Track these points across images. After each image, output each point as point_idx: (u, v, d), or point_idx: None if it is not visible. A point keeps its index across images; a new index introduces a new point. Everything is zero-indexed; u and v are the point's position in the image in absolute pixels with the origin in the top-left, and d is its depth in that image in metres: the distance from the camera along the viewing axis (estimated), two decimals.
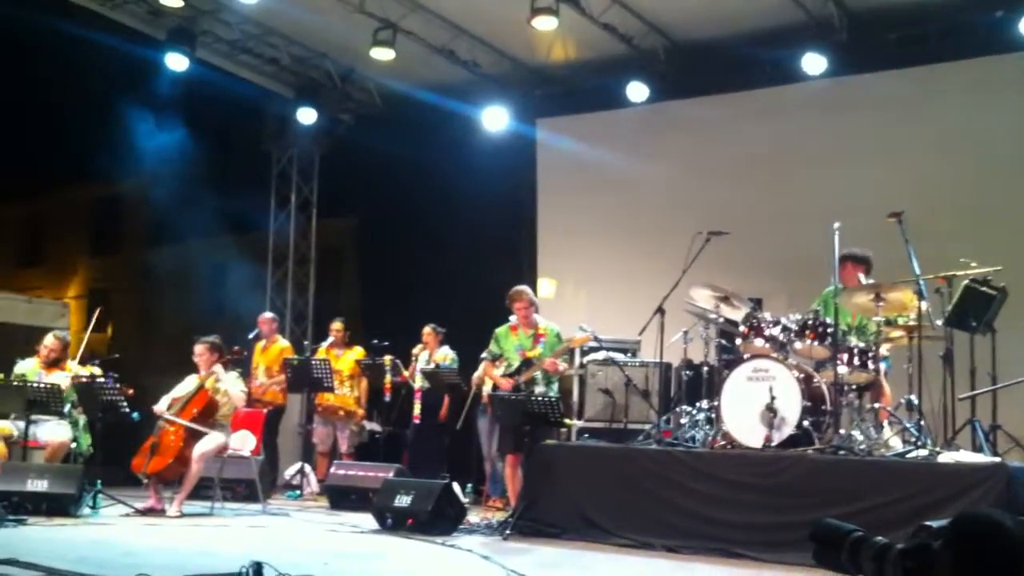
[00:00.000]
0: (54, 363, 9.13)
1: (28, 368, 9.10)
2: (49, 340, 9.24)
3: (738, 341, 8.01)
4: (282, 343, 11.44)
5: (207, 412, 8.50)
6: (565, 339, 8.60)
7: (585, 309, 11.56)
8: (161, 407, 8.57)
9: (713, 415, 7.77)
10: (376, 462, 9.94)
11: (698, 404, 8.28)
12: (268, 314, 11.69)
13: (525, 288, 8.75)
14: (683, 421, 8.22)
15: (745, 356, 7.67)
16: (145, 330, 22.45)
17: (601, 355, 9.52)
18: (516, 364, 8.50)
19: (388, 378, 10.61)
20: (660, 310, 8.21)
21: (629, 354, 10.00)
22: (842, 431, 7.05)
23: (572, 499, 7.40)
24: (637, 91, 11.55)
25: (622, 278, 11.70)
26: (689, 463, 7.11)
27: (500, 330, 8.74)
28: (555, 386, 8.54)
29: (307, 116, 13.30)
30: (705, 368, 8.79)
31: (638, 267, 11.44)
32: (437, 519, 7.40)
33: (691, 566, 6.33)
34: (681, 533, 6.88)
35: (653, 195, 11.88)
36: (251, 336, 11.10)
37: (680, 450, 7.43)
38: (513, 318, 8.67)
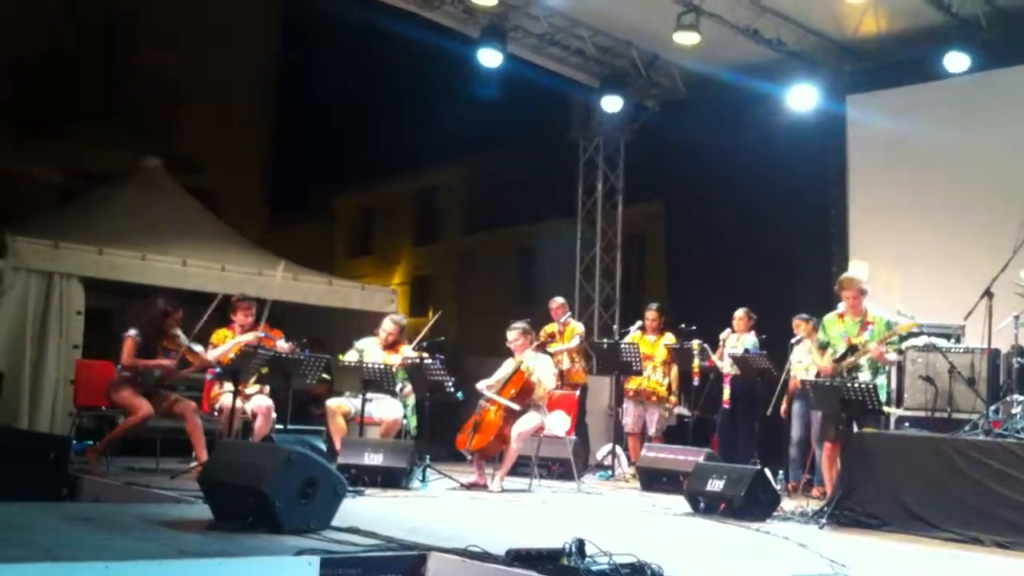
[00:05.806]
0: (391, 345, 9.65)
1: (368, 346, 9.64)
2: (388, 325, 9.73)
3: None
4: (574, 324, 11.69)
5: (523, 393, 8.85)
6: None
7: (899, 292, 11.10)
8: (482, 385, 9.06)
9: None
10: (685, 446, 10.03)
11: None
12: (559, 299, 11.92)
13: (855, 275, 8.43)
14: (1014, 411, 7.76)
15: None
16: (463, 314, 23.51)
17: (922, 341, 9.12)
18: (841, 351, 8.27)
19: (696, 362, 10.60)
20: (988, 293, 7.76)
21: (952, 340, 9.51)
22: None
23: (893, 490, 7.14)
24: (957, 61, 10.90)
25: (941, 259, 11.15)
26: None
27: (828, 317, 8.46)
28: (883, 377, 8.20)
29: (612, 104, 13.46)
30: None
31: (960, 248, 10.88)
32: (750, 505, 7.34)
33: None
34: (1014, 529, 6.50)
35: (976, 171, 11.21)
36: (560, 321, 11.44)
37: (1012, 441, 7.01)
38: (841, 305, 8.43)
